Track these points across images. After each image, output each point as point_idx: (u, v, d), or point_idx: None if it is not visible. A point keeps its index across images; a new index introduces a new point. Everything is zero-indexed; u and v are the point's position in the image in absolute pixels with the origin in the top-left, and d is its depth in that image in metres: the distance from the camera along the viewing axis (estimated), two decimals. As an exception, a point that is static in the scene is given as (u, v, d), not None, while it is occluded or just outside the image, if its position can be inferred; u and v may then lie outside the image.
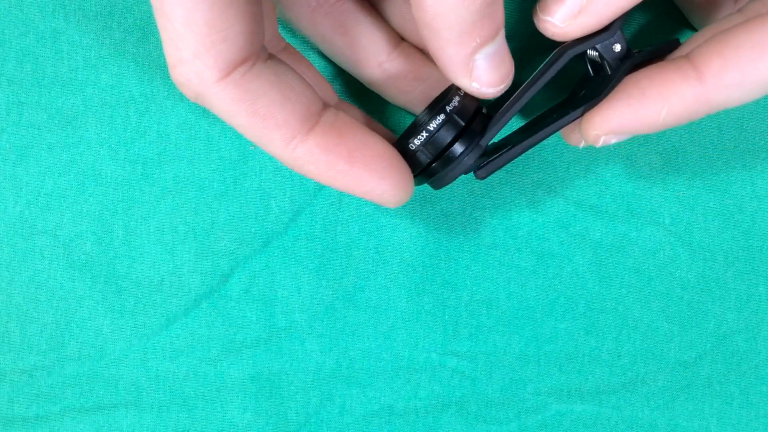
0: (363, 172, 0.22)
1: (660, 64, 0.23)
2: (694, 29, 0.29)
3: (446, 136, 0.23)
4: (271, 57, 0.21)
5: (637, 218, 0.30)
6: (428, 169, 0.24)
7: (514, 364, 0.30)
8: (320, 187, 0.29)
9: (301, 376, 0.30)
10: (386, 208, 0.29)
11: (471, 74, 0.21)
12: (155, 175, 0.29)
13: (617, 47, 0.23)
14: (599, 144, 0.24)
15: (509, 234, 0.30)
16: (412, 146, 0.23)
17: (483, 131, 0.23)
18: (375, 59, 0.26)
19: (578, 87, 0.26)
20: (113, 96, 0.28)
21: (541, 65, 0.24)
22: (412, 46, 0.27)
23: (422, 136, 0.23)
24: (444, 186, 0.24)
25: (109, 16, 0.28)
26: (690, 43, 0.24)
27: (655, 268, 0.30)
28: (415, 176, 0.24)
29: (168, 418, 0.29)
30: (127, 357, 0.29)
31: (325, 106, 0.22)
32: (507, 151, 0.24)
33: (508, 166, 0.27)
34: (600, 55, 0.24)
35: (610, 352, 0.30)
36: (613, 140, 0.24)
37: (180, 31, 0.19)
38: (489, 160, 0.24)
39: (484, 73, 0.21)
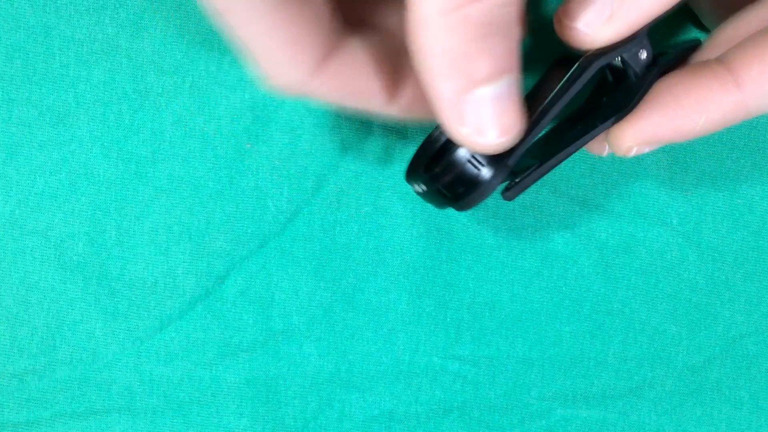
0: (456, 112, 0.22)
1: (692, 69, 0.22)
2: (702, 25, 0.29)
3: (475, 166, 0.22)
4: (349, 32, 0.21)
5: (644, 218, 0.30)
6: (453, 194, 0.23)
7: (518, 368, 0.30)
8: (318, 186, 0.29)
9: (298, 380, 0.29)
10: (386, 208, 0.29)
11: (462, 117, 0.19)
12: (149, 174, 0.28)
13: (643, 54, 0.22)
14: (631, 155, 0.23)
15: (513, 234, 0.30)
16: (437, 177, 0.22)
17: (510, 151, 0.22)
18: (388, 96, 0.25)
19: (597, 95, 0.25)
20: (106, 93, 0.28)
21: (566, 76, 0.22)
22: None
23: (449, 167, 0.22)
24: (469, 209, 0.23)
25: (101, 10, 0.28)
26: (714, 42, 0.24)
27: (663, 270, 0.30)
28: (439, 203, 0.23)
29: (162, 423, 0.29)
30: (120, 361, 0.29)
31: (403, 53, 0.22)
32: (535, 170, 0.23)
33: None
34: (624, 63, 0.22)
35: (617, 355, 0.30)
36: (646, 150, 0.23)
37: (265, 50, 0.19)
38: (516, 180, 0.23)
39: (477, 118, 0.19)
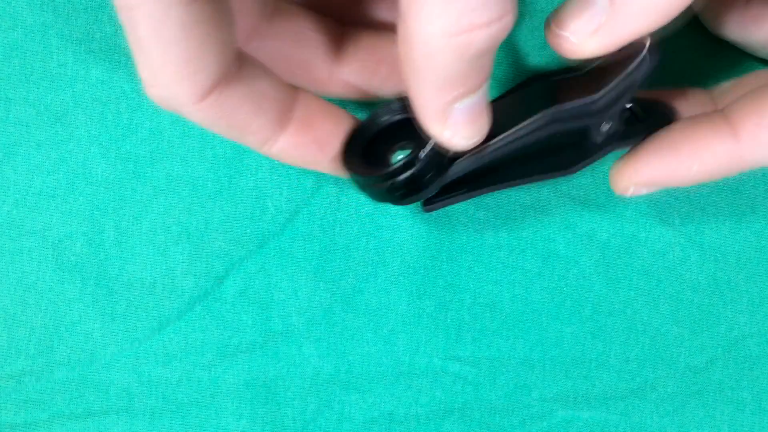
0: (334, 161, 0.24)
1: (693, 119, 0.24)
2: (704, 28, 0.29)
3: (423, 174, 0.22)
4: (243, 64, 0.21)
5: (646, 218, 0.30)
6: (387, 194, 0.23)
7: (519, 369, 0.30)
8: (318, 186, 0.29)
9: (298, 381, 0.29)
10: (386, 208, 0.29)
11: (445, 123, 0.20)
12: (147, 174, 0.28)
13: (605, 127, 0.23)
14: (629, 194, 0.25)
15: (513, 234, 0.29)
16: (386, 178, 0.22)
17: (450, 162, 0.23)
18: (327, 72, 0.25)
19: (554, 139, 0.25)
20: (104, 92, 0.28)
21: (522, 123, 0.22)
22: (357, 32, 0.25)
23: (401, 174, 0.22)
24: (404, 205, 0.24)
25: (99, 9, 0.28)
26: (721, 93, 0.25)
27: (665, 270, 0.30)
28: (375, 197, 0.24)
29: (161, 424, 0.29)
30: (119, 362, 0.29)
31: (296, 94, 0.23)
32: (462, 194, 0.24)
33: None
34: (587, 129, 0.23)
35: (618, 356, 0.30)
36: (644, 192, 0.25)
37: (156, 62, 0.19)
38: (443, 197, 0.24)
39: (459, 124, 0.20)
